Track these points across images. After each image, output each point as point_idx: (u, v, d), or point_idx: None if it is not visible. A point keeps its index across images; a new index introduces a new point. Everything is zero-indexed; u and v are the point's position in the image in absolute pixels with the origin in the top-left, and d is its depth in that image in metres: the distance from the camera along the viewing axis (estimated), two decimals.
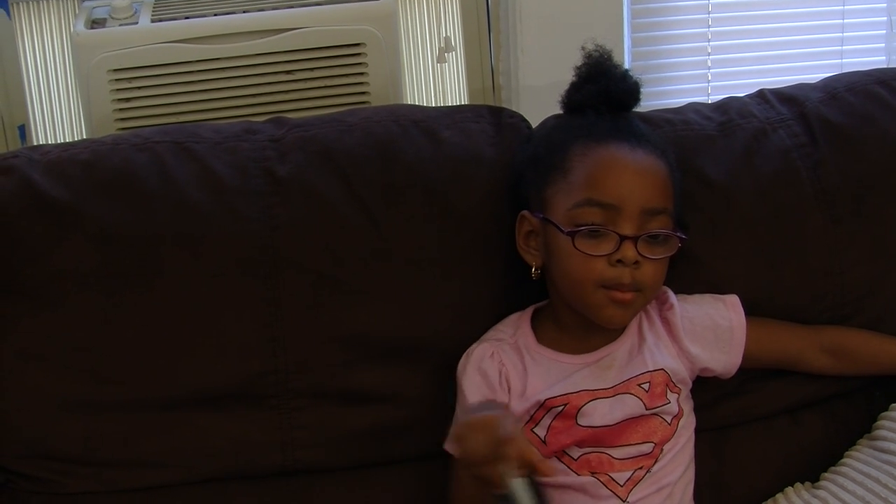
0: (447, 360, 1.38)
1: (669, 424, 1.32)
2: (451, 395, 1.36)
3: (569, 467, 1.30)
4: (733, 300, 1.40)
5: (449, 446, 1.30)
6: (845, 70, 1.66)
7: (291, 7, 1.79)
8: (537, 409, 1.31)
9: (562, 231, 1.28)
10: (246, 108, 1.76)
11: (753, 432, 1.47)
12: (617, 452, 1.29)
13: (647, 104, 1.41)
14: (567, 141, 1.33)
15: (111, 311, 1.33)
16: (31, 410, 1.34)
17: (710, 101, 1.60)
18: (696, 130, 1.50)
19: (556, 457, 1.30)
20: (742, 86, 1.83)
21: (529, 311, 1.39)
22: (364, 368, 1.37)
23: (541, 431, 1.31)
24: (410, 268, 1.38)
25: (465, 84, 2.13)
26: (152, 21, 1.76)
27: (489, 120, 1.49)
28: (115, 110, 1.73)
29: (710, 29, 2.17)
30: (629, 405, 1.31)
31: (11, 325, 1.34)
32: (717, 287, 1.42)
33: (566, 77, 1.40)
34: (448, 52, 2.06)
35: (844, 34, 2.20)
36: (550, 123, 1.44)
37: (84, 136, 1.88)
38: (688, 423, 1.36)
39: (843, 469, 1.37)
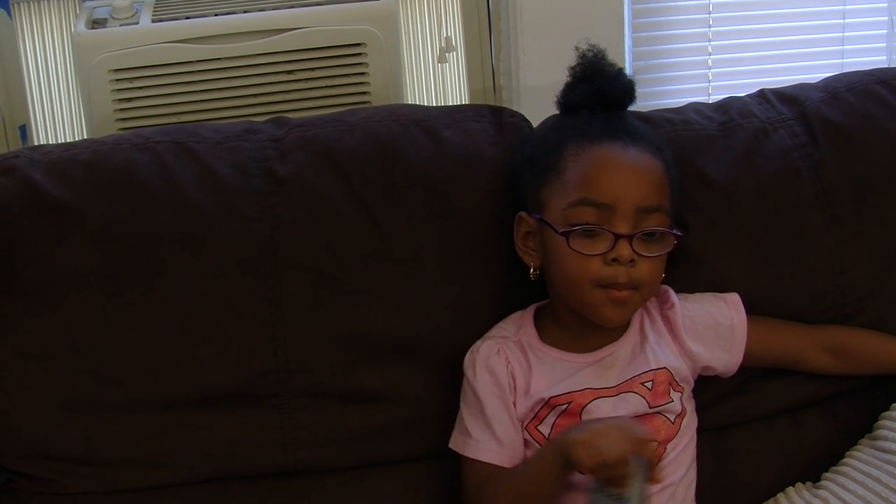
0: (447, 359, 1.38)
1: (673, 423, 1.32)
2: (452, 395, 1.36)
3: None
4: (734, 299, 1.40)
5: (454, 444, 1.31)
6: (846, 70, 1.66)
7: (292, 7, 1.79)
8: (541, 408, 1.31)
9: (557, 231, 1.28)
10: (247, 108, 1.76)
11: (754, 432, 1.47)
12: None
13: (647, 104, 1.41)
14: (561, 141, 1.33)
15: (112, 310, 1.34)
16: (32, 410, 1.34)
17: (710, 101, 1.60)
18: (697, 130, 1.50)
19: None
20: (743, 85, 1.83)
21: (531, 309, 1.39)
22: (364, 368, 1.37)
23: (545, 429, 1.31)
24: (411, 267, 1.38)
25: (466, 84, 2.13)
26: (153, 21, 1.76)
27: (490, 119, 1.49)
28: (116, 110, 1.73)
29: (711, 29, 2.17)
30: (633, 404, 1.31)
31: (12, 325, 1.34)
32: (717, 287, 1.42)
33: (567, 77, 1.40)
34: (449, 52, 2.06)
35: (845, 34, 2.20)
36: (548, 124, 1.44)
37: (85, 136, 1.88)
38: (690, 423, 1.36)
39: (844, 469, 1.37)
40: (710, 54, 2.18)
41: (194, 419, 1.36)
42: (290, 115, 1.53)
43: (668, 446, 1.31)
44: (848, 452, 1.41)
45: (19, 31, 1.97)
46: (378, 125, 1.45)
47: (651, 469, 1.18)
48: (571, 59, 1.39)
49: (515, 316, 1.39)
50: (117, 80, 1.72)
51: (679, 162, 1.39)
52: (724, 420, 1.46)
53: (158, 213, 1.36)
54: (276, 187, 1.39)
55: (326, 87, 1.77)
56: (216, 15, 1.78)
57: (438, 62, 2.09)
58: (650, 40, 2.15)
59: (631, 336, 1.36)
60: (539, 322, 1.37)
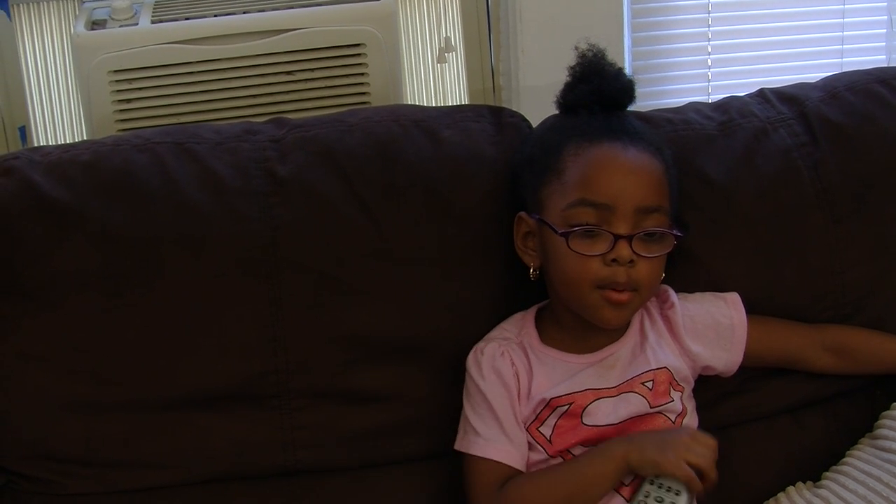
0: (448, 360, 1.38)
1: (674, 423, 1.32)
2: (452, 395, 1.36)
3: None
4: (734, 298, 1.40)
5: (460, 445, 1.31)
6: (845, 69, 1.66)
7: (292, 8, 1.79)
8: (543, 409, 1.31)
9: (556, 232, 1.28)
10: (246, 108, 1.76)
11: (755, 432, 1.47)
12: None
13: (647, 104, 1.41)
14: (561, 141, 1.33)
15: (112, 311, 1.34)
16: (33, 411, 1.34)
17: (710, 101, 1.60)
18: (697, 130, 1.50)
19: (561, 457, 1.30)
20: (742, 85, 1.83)
21: (533, 310, 1.39)
22: (364, 368, 1.37)
23: (546, 430, 1.31)
24: (411, 268, 1.38)
25: (466, 84, 2.13)
26: (152, 22, 1.76)
27: (490, 119, 1.49)
28: (116, 111, 1.73)
29: (711, 28, 2.17)
30: (633, 404, 1.31)
31: (12, 326, 1.34)
32: (717, 286, 1.42)
33: (566, 77, 1.40)
34: (448, 53, 2.06)
35: (845, 33, 2.20)
36: (547, 124, 1.44)
37: (85, 138, 1.88)
38: (690, 422, 1.35)
39: (845, 468, 1.37)
40: (709, 54, 2.18)
41: (195, 420, 1.36)
42: (290, 116, 1.53)
43: None
44: (848, 452, 1.41)
45: (19, 33, 1.97)
46: (378, 125, 1.45)
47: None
48: (571, 59, 1.39)
49: (517, 317, 1.39)
50: (117, 81, 1.72)
51: (679, 162, 1.39)
52: (724, 420, 1.46)
53: (158, 213, 1.36)
54: (276, 188, 1.39)
55: (326, 87, 1.78)
56: (216, 16, 1.78)
57: (438, 62, 2.09)
58: (649, 40, 2.15)
59: (631, 336, 1.36)
60: (540, 323, 1.37)
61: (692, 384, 1.37)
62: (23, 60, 1.98)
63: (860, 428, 1.44)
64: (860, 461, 1.37)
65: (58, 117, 2.03)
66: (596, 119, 1.34)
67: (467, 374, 1.34)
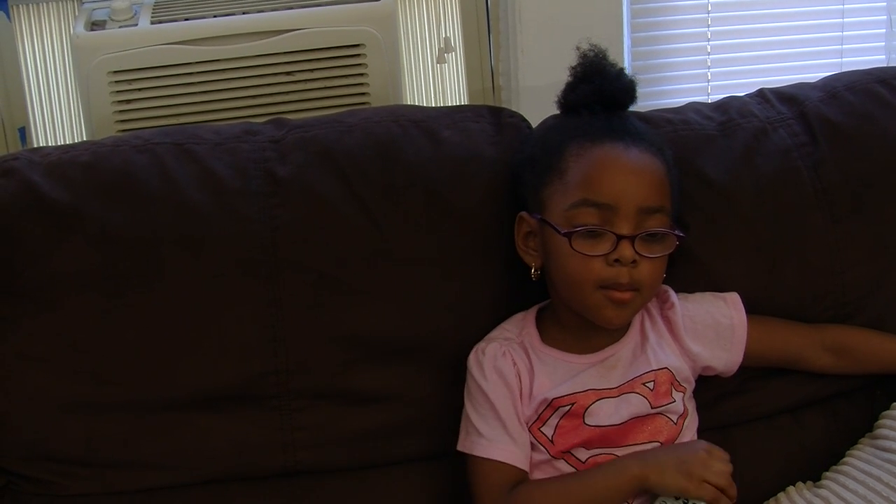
0: (448, 360, 1.38)
1: (675, 424, 1.32)
2: (452, 395, 1.36)
3: (576, 469, 1.30)
4: (734, 298, 1.40)
5: (463, 446, 1.31)
6: (845, 69, 1.66)
7: (291, 8, 1.79)
8: (545, 409, 1.31)
9: (559, 232, 1.28)
10: (246, 109, 1.76)
11: (755, 431, 1.47)
12: (623, 453, 1.29)
13: (646, 104, 1.41)
14: (562, 141, 1.33)
15: (112, 312, 1.33)
16: (33, 412, 1.34)
17: (709, 101, 1.60)
18: (696, 130, 1.50)
19: (563, 458, 1.30)
20: (742, 85, 1.83)
21: (533, 310, 1.39)
22: (365, 369, 1.37)
23: (548, 431, 1.31)
24: (411, 268, 1.38)
25: (465, 84, 2.13)
26: (152, 23, 1.76)
27: (489, 120, 1.49)
28: (116, 112, 1.73)
29: (710, 28, 2.17)
30: (634, 404, 1.31)
31: (12, 326, 1.34)
32: (717, 286, 1.42)
33: (566, 77, 1.40)
34: (448, 53, 2.06)
35: (844, 33, 2.20)
36: (548, 124, 1.44)
37: (84, 138, 1.88)
38: (691, 423, 1.36)
39: (845, 468, 1.37)
40: (708, 54, 2.18)
41: (195, 420, 1.36)
42: (290, 116, 1.53)
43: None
44: (848, 452, 1.41)
45: (18, 33, 1.97)
46: (377, 126, 1.45)
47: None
48: (571, 59, 1.39)
49: (518, 317, 1.38)
50: (116, 81, 1.72)
51: (678, 162, 1.39)
52: (724, 419, 1.46)
53: (158, 214, 1.36)
54: (275, 188, 1.39)
55: (325, 87, 1.77)
56: (215, 16, 1.78)
57: (437, 63, 2.09)
58: (649, 40, 2.15)
59: (632, 336, 1.36)
60: (541, 323, 1.37)
61: (693, 384, 1.37)
62: (22, 61, 1.98)
63: (860, 428, 1.44)
64: (860, 461, 1.37)
65: (57, 118, 2.03)
66: (598, 119, 1.34)
67: (468, 373, 1.34)
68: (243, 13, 1.78)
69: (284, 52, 1.75)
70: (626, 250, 1.26)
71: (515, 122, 1.50)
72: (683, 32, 2.17)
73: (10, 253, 1.34)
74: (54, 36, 2.00)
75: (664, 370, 1.33)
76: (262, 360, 1.35)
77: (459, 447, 1.33)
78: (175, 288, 1.34)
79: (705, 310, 1.39)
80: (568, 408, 1.30)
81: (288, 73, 1.76)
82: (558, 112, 1.42)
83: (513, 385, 1.31)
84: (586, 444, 1.30)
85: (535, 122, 1.49)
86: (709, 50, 2.18)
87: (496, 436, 1.30)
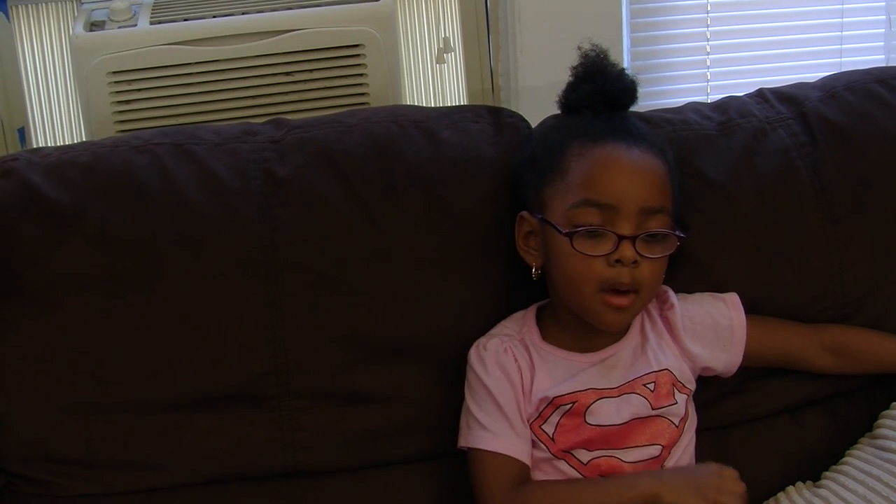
0: (447, 360, 1.38)
1: (677, 427, 1.32)
2: (452, 395, 1.36)
3: (578, 471, 1.30)
4: (733, 299, 1.40)
5: (466, 441, 1.30)
6: (844, 69, 1.66)
7: (290, 9, 1.79)
8: (546, 407, 1.31)
9: (560, 232, 1.28)
10: (245, 109, 1.76)
11: (754, 431, 1.47)
12: (626, 455, 1.29)
13: (646, 104, 1.41)
14: (564, 141, 1.33)
15: (112, 312, 1.33)
16: (32, 413, 1.34)
17: (709, 101, 1.60)
18: (696, 130, 1.50)
19: (564, 459, 1.30)
20: (741, 85, 1.83)
21: (533, 309, 1.39)
22: (364, 369, 1.37)
23: (549, 429, 1.31)
24: (410, 268, 1.38)
25: (465, 85, 2.12)
26: (151, 23, 1.76)
27: (489, 120, 1.49)
28: (115, 112, 1.73)
29: (709, 28, 2.17)
30: (635, 405, 1.31)
31: (12, 327, 1.34)
32: (717, 287, 1.42)
33: (565, 77, 1.40)
34: (447, 53, 2.06)
35: (843, 33, 2.20)
36: (549, 124, 1.44)
37: (83, 139, 1.88)
38: (691, 424, 1.36)
39: (845, 468, 1.37)
40: (708, 54, 2.18)
41: (194, 421, 1.36)
42: (289, 117, 1.53)
43: (671, 450, 1.32)
44: (848, 451, 1.41)
45: (17, 34, 1.97)
46: (377, 126, 1.45)
47: None
48: (570, 59, 1.39)
49: (518, 315, 1.38)
50: (116, 82, 1.72)
51: (678, 162, 1.39)
52: (724, 419, 1.46)
53: (158, 214, 1.36)
54: (275, 188, 1.39)
55: (325, 88, 1.77)
56: (214, 17, 1.78)
57: (437, 63, 2.09)
58: (648, 40, 2.15)
59: (632, 337, 1.36)
60: (541, 321, 1.37)
61: (694, 386, 1.37)
62: (21, 62, 1.98)
63: (860, 428, 1.44)
64: (860, 461, 1.37)
65: (57, 119, 2.03)
66: (599, 119, 1.34)
67: (469, 369, 1.34)
68: (243, 13, 1.78)
69: (284, 53, 1.75)
70: (627, 250, 1.26)
71: (515, 123, 1.50)
72: (683, 32, 2.17)
73: (10, 254, 1.34)
74: (53, 36, 1.99)
75: (665, 371, 1.33)
76: (261, 361, 1.35)
77: (462, 443, 1.33)
78: (175, 288, 1.34)
79: (704, 310, 1.39)
80: (569, 406, 1.30)
81: (287, 74, 1.76)
82: (558, 112, 1.42)
83: (515, 381, 1.31)
84: (588, 445, 1.30)
85: (534, 123, 1.49)
86: (708, 50, 2.18)
87: (501, 430, 1.30)
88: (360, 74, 1.77)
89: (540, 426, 1.31)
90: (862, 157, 1.49)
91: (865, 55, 2.21)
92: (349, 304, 1.36)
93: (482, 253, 1.40)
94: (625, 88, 1.37)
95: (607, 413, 1.30)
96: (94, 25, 1.79)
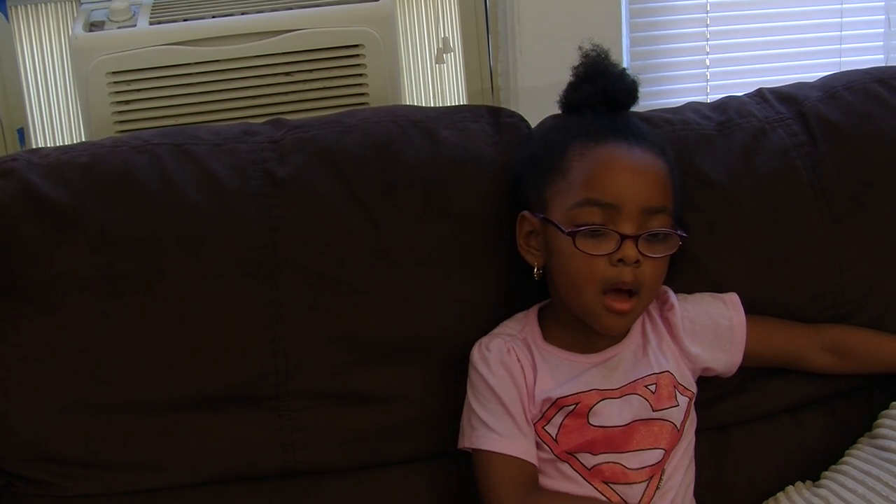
0: (448, 360, 1.38)
1: (678, 430, 1.32)
2: (452, 395, 1.36)
3: (581, 476, 1.30)
4: (733, 299, 1.40)
5: (471, 442, 1.30)
6: (844, 69, 1.66)
7: (290, 9, 1.79)
8: (549, 408, 1.31)
9: (562, 231, 1.28)
10: (245, 109, 1.76)
11: (754, 431, 1.47)
12: (630, 462, 1.29)
13: (645, 104, 1.41)
14: (565, 141, 1.33)
15: (111, 313, 1.33)
16: (32, 413, 1.34)
17: (708, 101, 1.60)
18: (695, 130, 1.50)
19: (568, 461, 1.30)
20: (740, 85, 1.83)
21: (535, 309, 1.39)
22: (364, 369, 1.37)
23: (552, 430, 1.30)
24: (410, 268, 1.38)
25: (464, 85, 2.13)
26: (151, 23, 1.76)
27: (488, 120, 1.49)
28: (114, 113, 1.73)
29: (709, 28, 2.17)
30: (636, 406, 1.31)
31: (12, 328, 1.34)
32: (717, 287, 1.42)
33: (565, 77, 1.40)
34: (446, 53, 2.06)
35: (843, 33, 2.20)
36: (549, 124, 1.44)
37: (83, 139, 1.88)
38: (691, 425, 1.36)
39: (845, 468, 1.37)
40: (707, 54, 2.18)
41: (194, 421, 1.36)
42: (289, 117, 1.53)
43: (672, 453, 1.31)
44: (848, 451, 1.41)
45: (17, 34, 1.97)
46: (376, 126, 1.45)
47: None
48: (569, 59, 1.39)
49: (519, 315, 1.38)
50: (115, 82, 1.72)
51: (678, 162, 1.39)
52: (723, 419, 1.46)
53: (157, 215, 1.36)
54: (274, 189, 1.39)
55: (324, 88, 1.77)
56: (214, 17, 1.78)
57: (436, 63, 2.09)
58: (648, 40, 2.15)
59: (633, 338, 1.36)
60: (542, 322, 1.37)
61: (696, 388, 1.36)
62: (21, 62, 1.98)
63: (859, 427, 1.44)
64: (859, 460, 1.37)
65: (56, 119, 2.03)
66: (601, 119, 1.34)
67: (472, 368, 1.34)
68: (242, 14, 1.78)
69: (283, 53, 1.75)
70: (629, 250, 1.26)
71: (514, 123, 1.50)
72: (682, 32, 2.17)
73: (10, 254, 1.34)
74: (53, 37, 1.99)
75: (666, 373, 1.33)
76: (261, 361, 1.35)
77: (466, 444, 1.32)
78: (174, 288, 1.34)
79: (704, 311, 1.39)
80: (572, 407, 1.30)
81: (287, 74, 1.76)
82: (558, 112, 1.42)
83: (519, 381, 1.31)
84: (591, 448, 1.29)
85: (533, 123, 1.49)
86: (707, 50, 2.18)
87: (507, 431, 1.29)
88: (360, 75, 1.77)
89: (543, 427, 1.31)
90: (861, 156, 1.49)
91: (865, 55, 2.21)
92: (349, 304, 1.36)
93: (482, 253, 1.40)
94: (626, 88, 1.37)
95: (609, 414, 1.30)
96: (93, 26, 1.79)
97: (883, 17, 2.21)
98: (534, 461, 1.29)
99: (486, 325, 1.38)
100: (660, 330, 1.37)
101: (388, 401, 1.39)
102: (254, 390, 1.36)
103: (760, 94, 1.58)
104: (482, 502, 1.30)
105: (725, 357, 1.38)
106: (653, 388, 1.32)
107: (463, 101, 2.13)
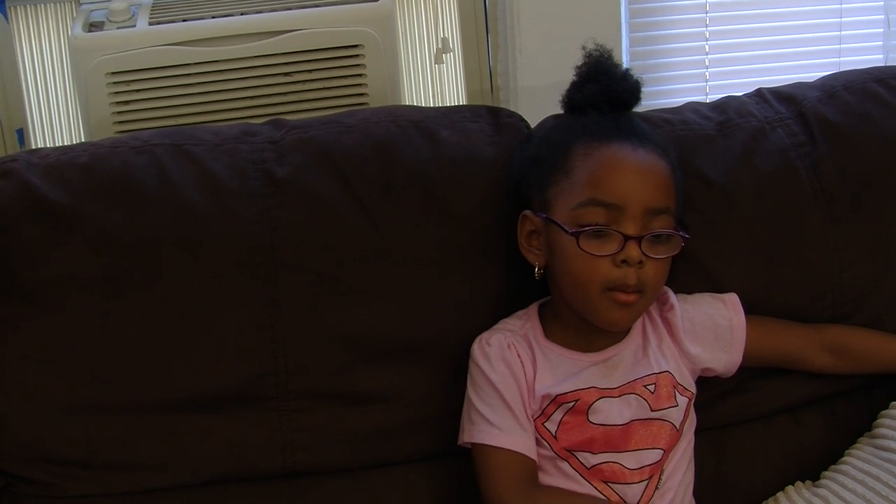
0: (447, 360, 1.38)
1: (678, 430, 1.32)
2: (452, 395, 1.36)
3: (580, 475, 1.30)
4: (733, 299, 1.40)
5: (472, 437, 1.30)
6: (843, 69, 1.66)
7: (289, 9, 1.79)
8: (549, 404, 1.31)
9: (566, 231, 1.28)
10: (244, 110, 1.76)
11: (753, 431, 1.47)
12: (629, 462, 1.29)
13: (645, 104, 1.41)
14: (569, 141, 1.33)
15: (111, 313, 1.33)
16: (32, 414, 1.34)
17: (708, 101, 1.60)
18: (695, 130, 1.50)
19: (568, 460, 1.30)
20: (740, 85, 1.83)
21: (535, 306, 1.39)
22: (364, 369, 1.37)
23: (552, 427, 1.31)
24: (410, 268, 1.38)
25: (464, 85, 2.13)
26: (150, 24, 1.76)
27: (487, 120, 1.49)
28: (114, 113, 1.73)
29: (708, 28, 2.17)
30: (635, 406, 1.31)
31: (11, 328, 1.34)
32: (717, 287, 1.42)
33: (564, 77, 1.40)
34: (445, 53, 2.06)
35: (842, 33, 2.21)
36: (550, 123, 1.44)
37: (82, 140, 1.88)
38: (690, 426, 1.36)
39: (844, 467, 1.37)
40: (707, 54, 2.19)
41: (194, 421, 1.36)
42: (288, 117, 1.53)
43: (670, 453, 1.31)
44: (847, 451, 1.41)
45: (16, 35, 1.97)
46: (376, 126, 1.45)
47: None
48: (569, 59, 1.39)
49: (520, 313, 1.38)
50: (115, 82, 1.72)
51: (678, 162, 1.39)
52: (723, 419, 1.46)
53: (157, 215, 1.36)
54: (274, 189, 1.39)
55: (324, 88, 1.77)
56: (213, 17, 1.78)
57: (435, 63, 2.09)
58: (647, 40, 2.15)
59: (633, 338, 1.36)
60: (543, 319, 1.37)
61: (695, 389, 1.36)
62: (20, 62, 1.98)
63: (859, 427, 1.44)
64: (859, 460, 1.37)
65: (56, 119, 2.03)
66: (604, 119, 1.34)
67: (473, 364, 1.34)
68: (241, 14, 1.78)
69: (283, 53, 1.75)
70: (633, 251, 1.26)
71: (514, 123, 1.50)
72: (681, 32, 2.17)
73: (9, 255, 1.34)
74: (52, 37, 1.99)
75: (665, 374, 1.33)
76: (260, 361, 1.35)
77: (466, 438, 1.32)
78: (174, 289, 1.34)
79: (704, 311, 1.39)
80: (572, 404, 1.30)
81: (286, 74, 1.76)
82: (558, 112, 1.42)
83: (519, 376, 1.31)
84: (591, 447, 1.29)
85: (533, 123, 1.49)
86: (707, 50, 2.18)
87: (508, 426, 1.29)
88: (359, 75, 1.77)
89: (543, 424, 1.31)
90: (861, 156, 1.49)
91: (864, 55, 2.21)
92: (349, 304, 1.36)
93: (482, 253, 1.40)
94: (629, 89, 1.37)
95: (609, 413, 1.30)
96: (92, 26, 1.79)
97: (882, 17, 2.21)
98: (534, 456, 1.29)
99: (486, 325, 1.37)
100: (660, 330, 1.37)
101: (388, 401, 1.39)
102: (253, 390, 1.36)
103: (760, 94, 1.58)
104: (482, 497, 1.30)
105: (725, 357, 1.38)
106: (652, 388, 1.32)
107: (462, 102, 2.13)
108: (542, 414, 1.31)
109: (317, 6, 1.79)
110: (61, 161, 1.40)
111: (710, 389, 1.42)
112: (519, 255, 1.36)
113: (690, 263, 1.41)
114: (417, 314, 1.38)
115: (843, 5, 2.20)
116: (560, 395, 1.30)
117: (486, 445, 1.29)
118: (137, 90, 1.73)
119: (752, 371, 1.43)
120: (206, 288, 1.35)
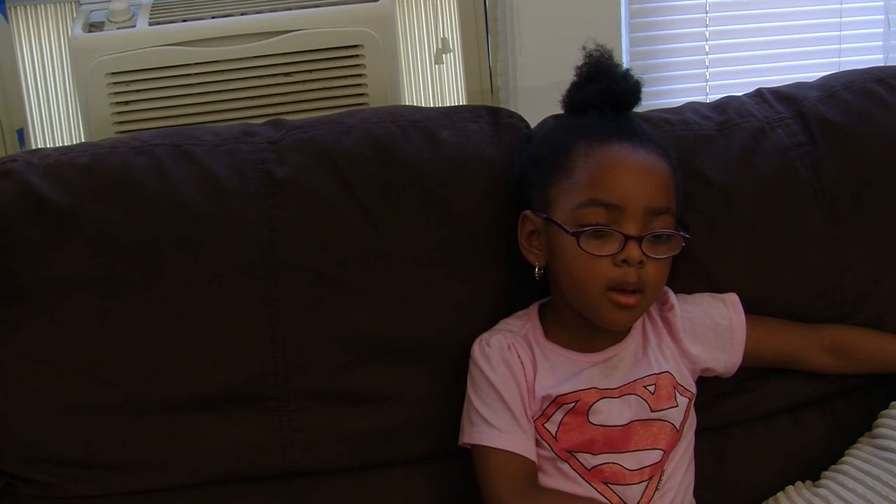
0: (447, 360, 1.38)
1: (678, 430, 1.32)
2: (452, 395, 1.36)
3: (581, 475, 1.30)
4: (733, 299, 1.40)
5: (472, 438, 1.30)
6: (843, 68, 1.66)
7: (289, 9, 1.79)
8: (549, 405, 1.31)
9: (567, 231, 1.28)
10: (244, 110, 1.76)
11: (754, 431, 1.47)
12: (629, 463, 1.29)
13: (645, 104, 1.41)
14: (569, 141, 1.33)
15: (111, 314, 1.33)
16: (32, 414, 1.34)
17: (708, 101, 1.60)
18: (695, 130, 1.50)
19: (568, 461, 1.30)
20: (740, 85, 1.84)
21: (535, 307, 1.39)
22: (364, 369, 1.37)
23: (552, 427, 1.30)
24: (410, 268, 1.38)
25: (463, 85, 2.13)
26: (150, 24, 1.76)
27: (487, 120, 1.49)
28: (114, 113, 1.73)
29: (708, 28, 2.17)
30: (635, 406, 1.31)
31: (11, 329, 1.34)
32: (717, 287, 1.42)
33: (564, 78, 1.40)
34: (445, 53, 2.06)
35: (842, 33, 2.21)
36: (551, 123, 1.44)
37: (82, 140, 1.88)
38: (690, 426, 1.36)
39: (844, 467, 1.37)
40: (707, 54, 2.19)
41: (194, 422, 1.36)
42: (288, 117, 1.53)
43: (671, 454, 1.31)
44: (847, 451, 1.41)
45: (16, 35, 1.97)
46: (376, 126, 1.45)
47: None
48: (569, 59, 1.39)
49: (520, 313, 1.38)
50: (115, 83, 1.72)
51: (678, 162, 1.39)
52: (723, 419, 1.46)
53: (157, 215, 1.36)
54: (274, 189, 1.39)
55: (324, 88, 1.78)
56: (213, 17, 1.78)
57: (435, 63, 2.09)
58: (647, 40, 2.15)
59: (633, 338, 1.36)
60: (543, 319, 1.37)
61: (695, 389, 1.36)
62: (20, 63, 1.98)
63: (859, 427, 1.44)
64: (859, 460, 1.37)
65: (55, 120, 2.03)
66: (605, 119, 1.34)
67: (473, 364, 1.34)
68: (241, 14, 1.78)
69: (283, 53, 1.75)
70: (633, 251, 1.26)
71: (514, 123, 1.50)
72: (681, 32, 2.18)
73: (9, 255, 1.34)
74: (52, 37, 1.99)
75: (665, 374, 1.33)
76: (260, 361, 1.35)
77: (466, 439, 1.32)
78: (174, 289, 1.34)
79: (704, 311, 1.39)
80: (572, 405, 1.30)
81: (286, 74, 1.76)
82: (557, 112, 1.42)
83: (519, 377, 1.31)
84: (591, 448, 1.29)
85: (533, 123, 1.49)
86: (707, 50, 2.18)
87: (508, 427, 1.29)
88: (359, 75, 1.78)
89: (543, 424, 1.31)
90: (861, 156, 1.49)
91: (864, 55, 2.21)
92: (348, 305, 1.36)
93: (482, 253, 1.40)
94: (629, 89, 1.37)
95: (609, 413, 1.30)
96: (92, 26, 1.79)
97: (882, 17, 2.21)
98: (533, 458, 1.29)
99: (486, 326, 1.37)
100: (660, 330, 1.37)
101: (388, 401, 1.39)
102: (253, 391, 1.36)
103: (760, 94, 1.58)
104: (482, 498, 1.30)
105: (725, 357, 1.38)
106: (652, 388, 1.32)
107: (462, 102, 2.13)
108: (542, 415, 1.31)
109: (317, 6, 1.79)
110: (61, 161, 1.40)
111: (710, 389, 1.42)
112: (519, 255, 1.36)
113: (690, 263, 1.41)
114: (417, 314, 1.38)
115: (843, 5, 2.20)
116: (560, 395, 1.30)
117: (485, 446, 1.29)
118: (137, 90, 1.73)
119: (752, 371, 1.43)
120: (206, 288, 1.35)
